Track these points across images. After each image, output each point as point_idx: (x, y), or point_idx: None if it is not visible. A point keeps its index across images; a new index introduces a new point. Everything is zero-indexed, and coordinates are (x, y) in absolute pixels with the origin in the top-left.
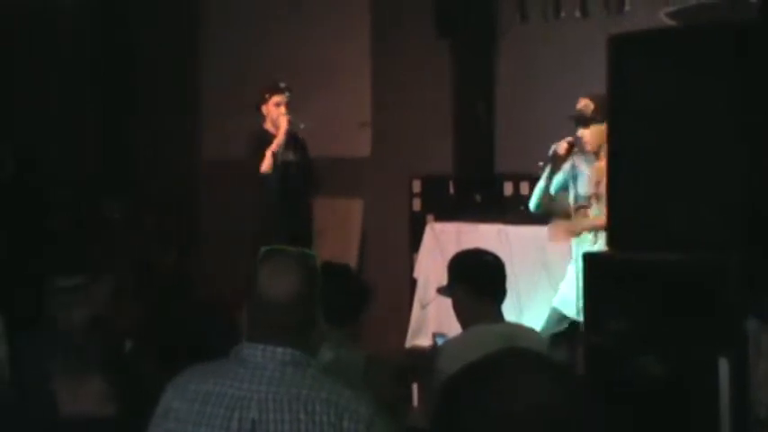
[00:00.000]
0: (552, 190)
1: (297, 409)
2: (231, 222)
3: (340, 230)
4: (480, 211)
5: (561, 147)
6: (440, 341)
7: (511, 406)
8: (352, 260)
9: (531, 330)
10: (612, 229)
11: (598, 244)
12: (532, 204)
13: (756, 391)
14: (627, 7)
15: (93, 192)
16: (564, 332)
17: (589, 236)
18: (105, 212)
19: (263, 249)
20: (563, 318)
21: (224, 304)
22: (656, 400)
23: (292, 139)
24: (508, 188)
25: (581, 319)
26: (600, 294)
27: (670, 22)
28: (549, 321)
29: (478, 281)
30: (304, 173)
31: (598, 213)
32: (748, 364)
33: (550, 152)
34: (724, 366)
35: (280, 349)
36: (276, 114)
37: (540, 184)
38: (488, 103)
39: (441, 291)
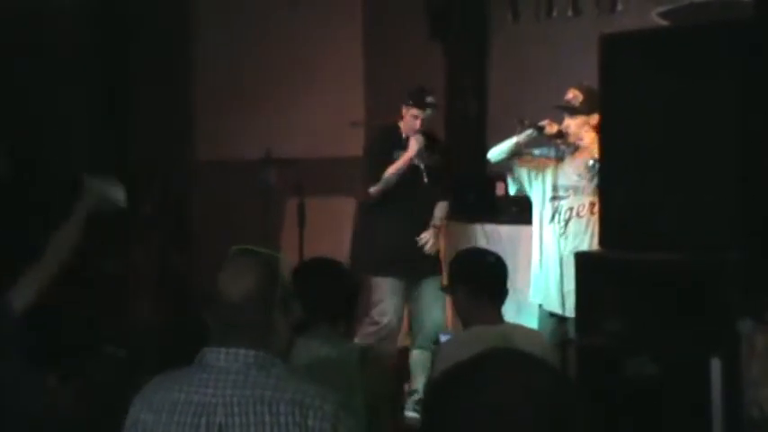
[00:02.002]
0: (524, 151)
1: (262, 411)
2: (227, 223)
3: (332, 230)
4: (472, 210)
5: (551, 128)
6: (442, 338)
7: (491, 402)
8: (343, 260)
9: (530, 331)
10: (606, 229)
11: (568, 234)
12: (494, 156)
13: (749, 391)
14: (619, 6)
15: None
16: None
17: (559, 225)
18: (136, 206)
19: (232, 249)
20: (549, 315)
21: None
22: (648, 400)
23: (430, 140)
24: (500, 188)
25: (563, 312)
26: (593, 294)
27: (662, 22)
28: (540, 323)
29: (479, 282)
30: (433, 176)
31: (575, 205)
32: (740, 363)
33: (539, 123)
34: (716, 366)
35: (242, 351)
36: (411, 126)
37: (513, 140)
38: (480, 103)
39: (443, 290)
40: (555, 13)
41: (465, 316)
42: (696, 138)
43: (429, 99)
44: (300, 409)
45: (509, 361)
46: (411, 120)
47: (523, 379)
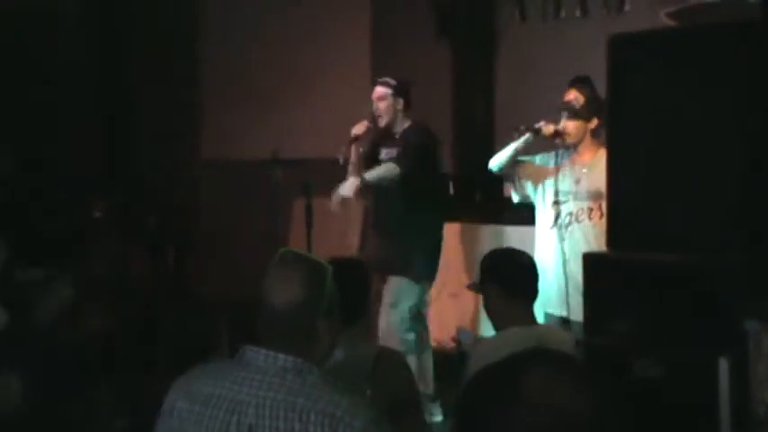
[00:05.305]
0: (523, 159)
1: (292, 417)
2: (234, 223)
3: (340, 230)
4: (479, 211)
5: (548, 129)
6: (463, 336)
7: (534, 409)
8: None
9: (562, 332)
10: (613, 230)
11: (567, 238)
12: (496, 165)
13: (756, 391)
14: (627, 7)
15: (93, 191)
16: None
17: (560, 230)
18: (90, 210)
19: (279, 251)
20: (551, 318)
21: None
22: (655, 401)
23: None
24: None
25: (567, 314)
26: (600, 295)
27: (670, 22)
28: None
29: (511, 282)
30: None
31: (574, 210)
32: (748, 364)
33: (536, 125)
34: (723, 366)
35: (281, 356)
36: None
37: (512, 147)
38: (487, 103)
39: (471, 287)
40: (563, 14)
41: (496, 317)
42: (704, 138)
43: (381, 78)
44: (331, 422)
45: (550, 367)
46: None
47: (565, 386)
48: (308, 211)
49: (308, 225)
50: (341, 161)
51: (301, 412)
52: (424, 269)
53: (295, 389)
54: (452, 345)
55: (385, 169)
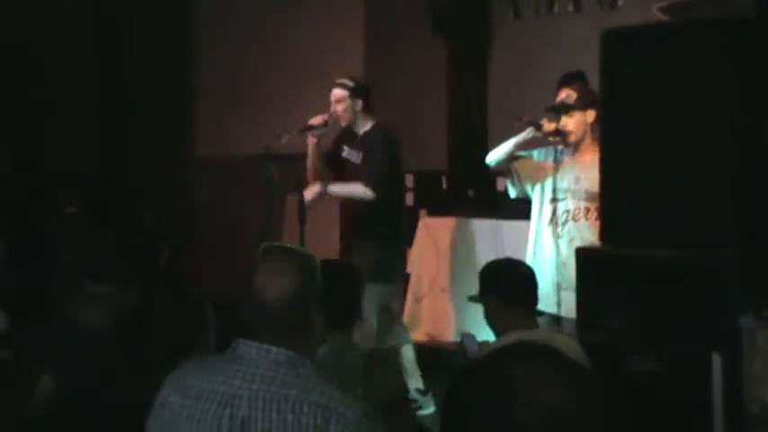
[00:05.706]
0: (522, 153)
1: (285, 409)
2: (228, 219)
3: (333, 226)
4: (473, 205)
5: (548, 126)
6: (467, 341)
7: (523, 407)
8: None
9: (565, 337)
10: (607, 225)
11: (563, 236)
12: (493, 160)
13: (750, 387)
14: (620, 2)
15: (91, 191)
16: None
17: (556, 228)
18: (63, 208)
19: (263, 245)
20: (542, 315)
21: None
22: (648, 397)
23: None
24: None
25: (558, 311)
26: (594, 290)
27: (663, 17)
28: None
29: (510, 292)
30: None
31: (571, 208)
32: (741, 359)
33: (538, 121)
34: (717, 362)
35: (274, 349)
36: None
37: (512, 141)
38: (481, 99)
39: (472, 299)
40: (556, 9)
41: (498, 325)
42: (697, 134)
43: (338, 80)
44: (324, 413)
45: (536, 363)
46: None
47: (548, 395)
48: (302, 206)
49: (302, 221)
50: (283, 141)
51: (294, 403)
52: (381, 268)
53: (288, 381)
54: (454, 348)
55: (354, 190)
